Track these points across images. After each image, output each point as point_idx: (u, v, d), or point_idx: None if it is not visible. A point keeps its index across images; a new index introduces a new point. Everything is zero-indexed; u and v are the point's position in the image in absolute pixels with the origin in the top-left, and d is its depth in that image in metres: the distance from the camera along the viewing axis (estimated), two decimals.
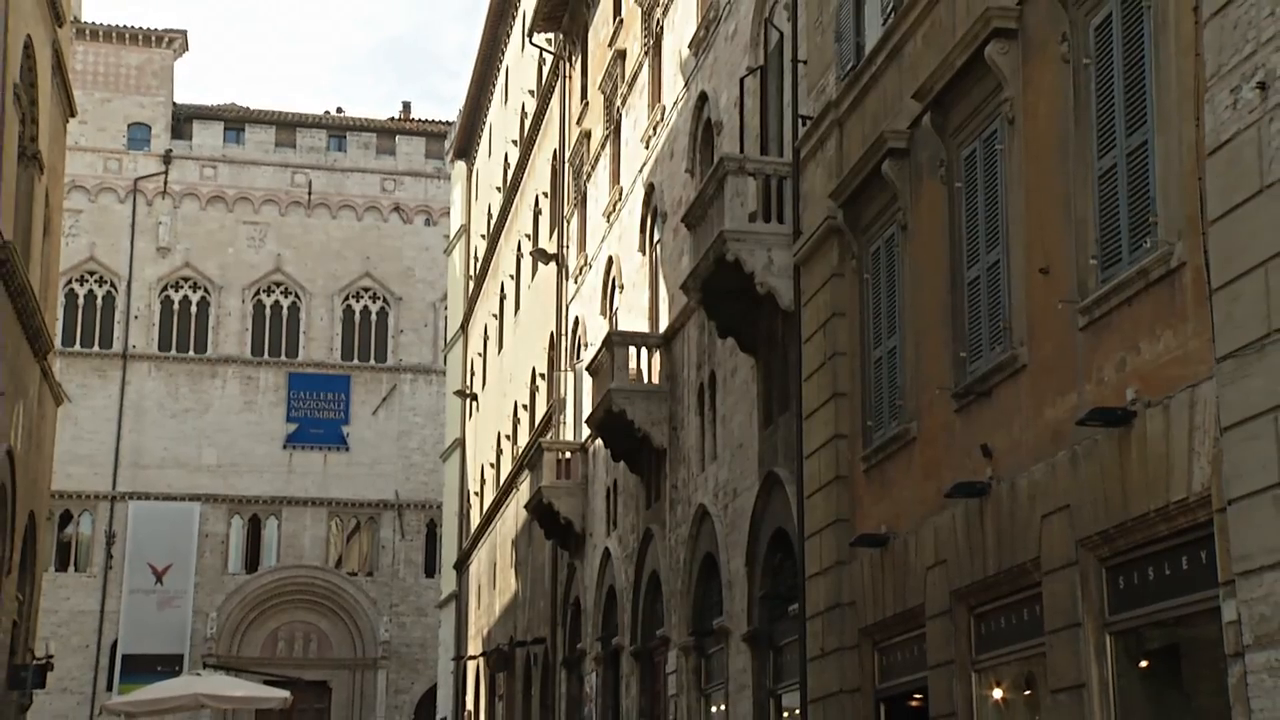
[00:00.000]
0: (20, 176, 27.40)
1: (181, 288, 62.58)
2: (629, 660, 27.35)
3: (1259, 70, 9.29)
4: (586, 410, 29.30)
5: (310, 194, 63.91)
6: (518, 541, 39.66)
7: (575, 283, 34.42)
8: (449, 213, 61.06)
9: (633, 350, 26.48)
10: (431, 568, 61.35)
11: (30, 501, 29.60)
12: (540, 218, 39.67)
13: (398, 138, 66.22)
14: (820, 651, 16.58)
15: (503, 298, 45.80)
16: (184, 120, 64.33)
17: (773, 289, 19.10)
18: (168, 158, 63.00)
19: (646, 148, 27.98)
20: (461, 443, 53.36)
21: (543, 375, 38.11)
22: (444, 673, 54.40)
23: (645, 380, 26.20)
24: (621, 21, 30.54)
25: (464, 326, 54.18)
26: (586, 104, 33.97)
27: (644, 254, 27.99)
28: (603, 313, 31.28)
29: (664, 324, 26.12)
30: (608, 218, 31.06)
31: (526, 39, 40.35)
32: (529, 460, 35.00)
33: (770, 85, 21.42)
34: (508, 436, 43.12)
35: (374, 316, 64.13)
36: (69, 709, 56.46)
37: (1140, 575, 11.13)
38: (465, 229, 55.54)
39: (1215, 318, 9.66)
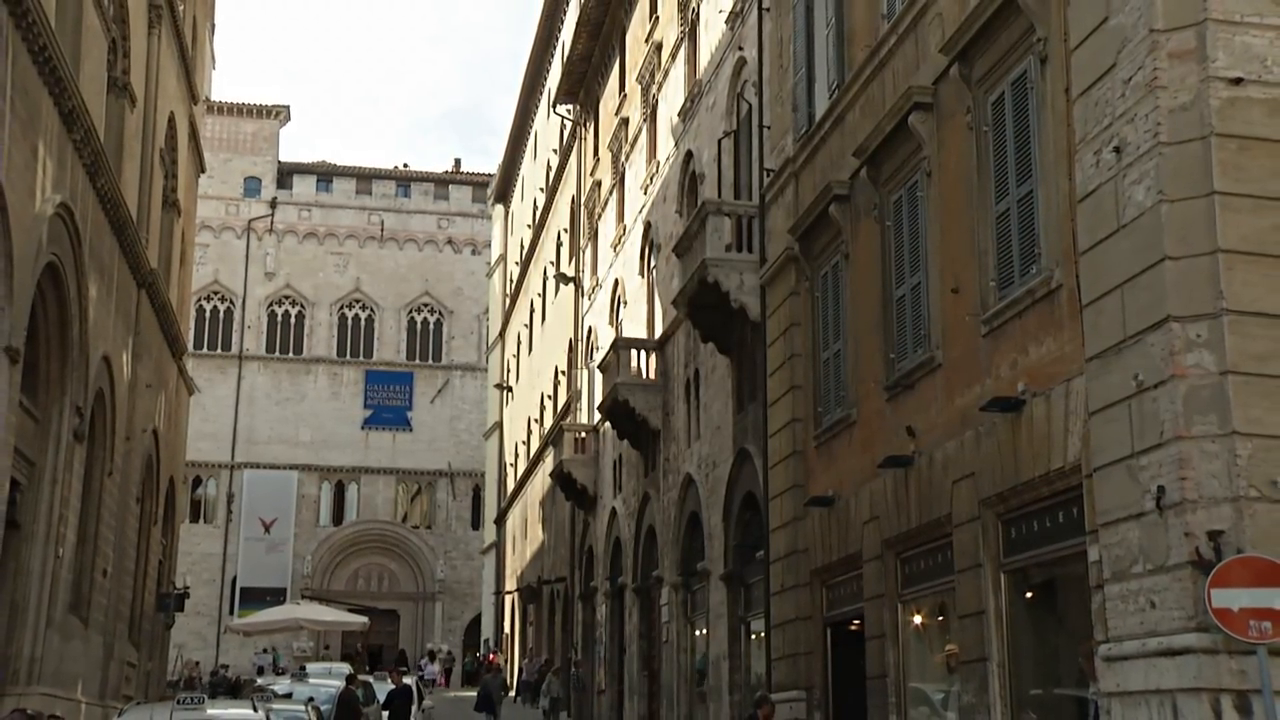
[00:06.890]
0: (163, 219, 27.52)
1: (283, 304, 62.43)
2: (631, 595, 27.37)
3: (1115, 138, 9.37)
4: (598, 399, 29.32)
5: (383, 230, 63.69)
6: (544, 502, 39.64)
7: (589, 299, 34.40)
8: (490, 245, 61.01)
9: (634, 352, 26.48)
10: (476, 522, 61.23)
11: (170, 469, 29.74)
12: (561, 249, 39.67)
13: (450, 186, 65.93)
14: (780, 588, 16.61)
15: (532, 311, 45.77)
16: (286, 174, 64.16)
17: (744, 304, 19.15)
18: (274, 203, 62.81)
19: (645, 193, 27.98)
20: (500, 425, 53.34)
21: (563, 372, 38.10)
22: (487, 604, 54.40)
23: (644, 376, 26.20)
24: (625, 95, 30.56)
25: (502, 334, 54.12)
26: (598, 159, 33.99)
27: (643, 277, 28.00)
28: (610, 323, 31.27)
29: (659, 332, 26.12)
30: (614, 248, 31.06)
31: (551, 109, 40.35)
32: (552, 439, 35.03)
33: (742, 145, 21.46)
34: (536, 420, 43.09)
35: (432, 326, 63.90)
36: (201, 627, 56.41)
37: (1027, 526, 11.19)
38: (503, 257, 55.48)
39: (1085, 328, 9.73)
